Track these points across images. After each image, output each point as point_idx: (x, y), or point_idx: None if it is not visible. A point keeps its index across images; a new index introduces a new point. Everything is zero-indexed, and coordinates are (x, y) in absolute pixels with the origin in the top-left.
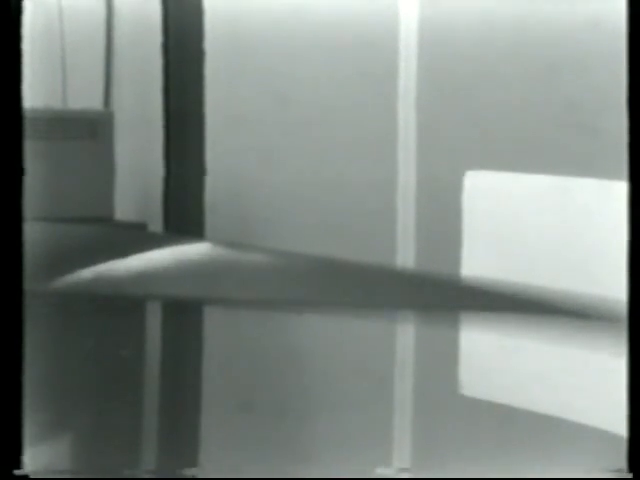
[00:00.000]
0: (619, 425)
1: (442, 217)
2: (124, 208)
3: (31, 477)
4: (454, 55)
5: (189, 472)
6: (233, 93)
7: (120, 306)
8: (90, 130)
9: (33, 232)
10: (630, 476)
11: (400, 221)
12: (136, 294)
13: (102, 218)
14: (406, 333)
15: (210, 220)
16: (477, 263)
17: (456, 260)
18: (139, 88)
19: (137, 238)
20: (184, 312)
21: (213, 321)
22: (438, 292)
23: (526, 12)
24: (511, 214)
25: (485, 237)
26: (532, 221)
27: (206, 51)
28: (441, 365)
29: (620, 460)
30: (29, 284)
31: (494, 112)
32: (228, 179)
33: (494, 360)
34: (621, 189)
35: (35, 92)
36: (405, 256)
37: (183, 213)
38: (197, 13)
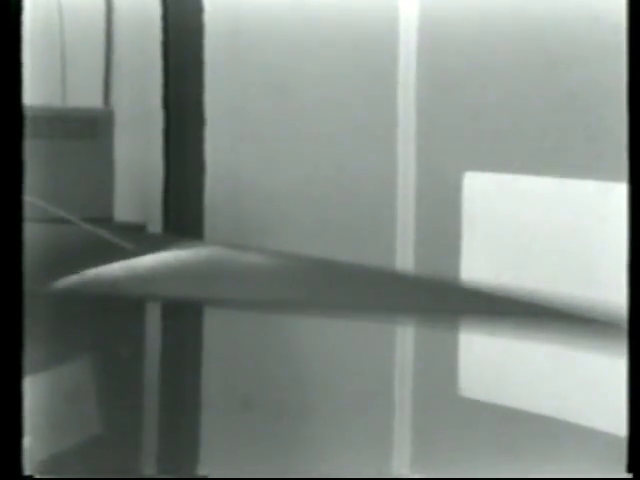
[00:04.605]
0: (619, 426)
1: (442, 218)
2: (124, 208)
3: (34, 477)
4: (454, 53)
5: (189, 472)
6: (233, 93)
7: (120, 306)
8: (90, 129)
9: (33, 232)
10: (630, 476)
11: (400, 222)
12: (136, 294)
13: (101, 219)
14: (406, 335)
15: (209, 221)
16: (476, 264)
17: (455, 261)
18: (139, 87)
19: (136, 239)
20: (184, 312)
21: (213, 321)
22: (438, 295)
23: (526, 8)
24: (510, 215)
25: (484, 238)
26: (531, 222)
27: (206, 50)
28: (441, 367)
29: (620, 460)
30: (29, 284)
31: (494, 110)
32: (228, 179)
33: (493, 362)
34: (621, 190)
35: (35, 90)
36: (404, 257)
37: (182, 214)
38: (197, 11)
